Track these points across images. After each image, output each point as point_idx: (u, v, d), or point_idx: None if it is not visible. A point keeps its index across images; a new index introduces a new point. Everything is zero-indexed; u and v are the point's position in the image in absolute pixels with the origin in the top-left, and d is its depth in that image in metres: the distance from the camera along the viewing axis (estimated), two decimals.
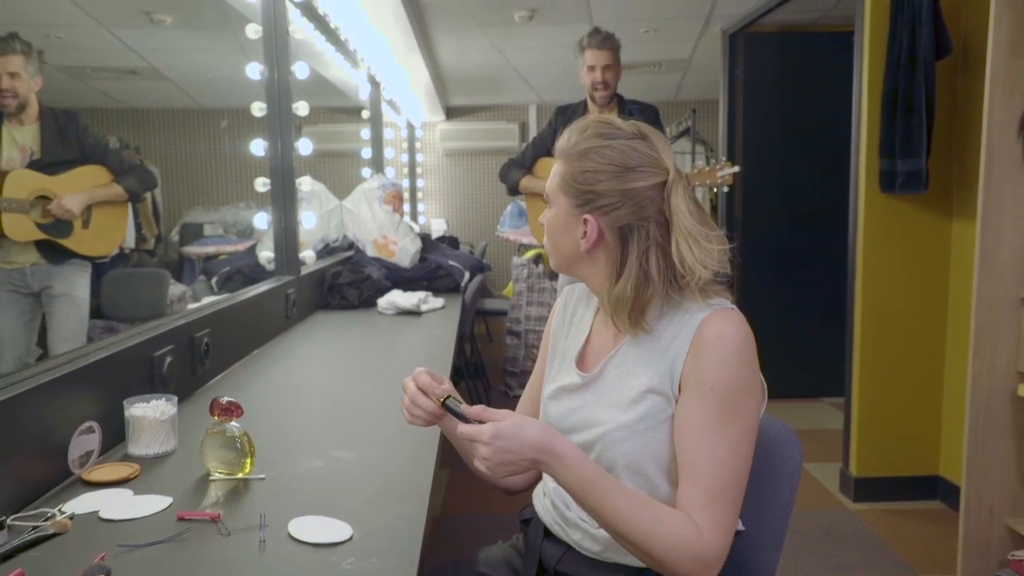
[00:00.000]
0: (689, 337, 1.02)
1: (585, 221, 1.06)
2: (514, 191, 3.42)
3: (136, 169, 2.38)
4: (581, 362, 1.16)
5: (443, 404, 1.03)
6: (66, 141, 2.15)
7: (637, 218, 1.04)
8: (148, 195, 4.19)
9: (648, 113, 3.23)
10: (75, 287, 2.22)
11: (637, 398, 1.04)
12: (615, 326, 1.09)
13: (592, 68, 3.10)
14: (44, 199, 2.07)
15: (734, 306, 1.06)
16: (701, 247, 1.02)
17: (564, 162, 1.10)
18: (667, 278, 1.04)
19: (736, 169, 3.01)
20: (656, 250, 1.03)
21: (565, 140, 1.11)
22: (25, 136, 2.06)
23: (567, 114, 3.24)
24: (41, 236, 2.09)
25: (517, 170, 3.39)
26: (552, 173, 1.12)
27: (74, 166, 2.16)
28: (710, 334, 1.01)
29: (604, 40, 3.10)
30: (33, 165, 2.07)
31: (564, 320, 1.24)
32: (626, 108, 3.19)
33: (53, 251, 2.14)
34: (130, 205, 2.39)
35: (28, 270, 2.13)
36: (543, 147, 3.31)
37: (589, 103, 3.20)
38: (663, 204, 1.04)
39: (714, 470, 0.98)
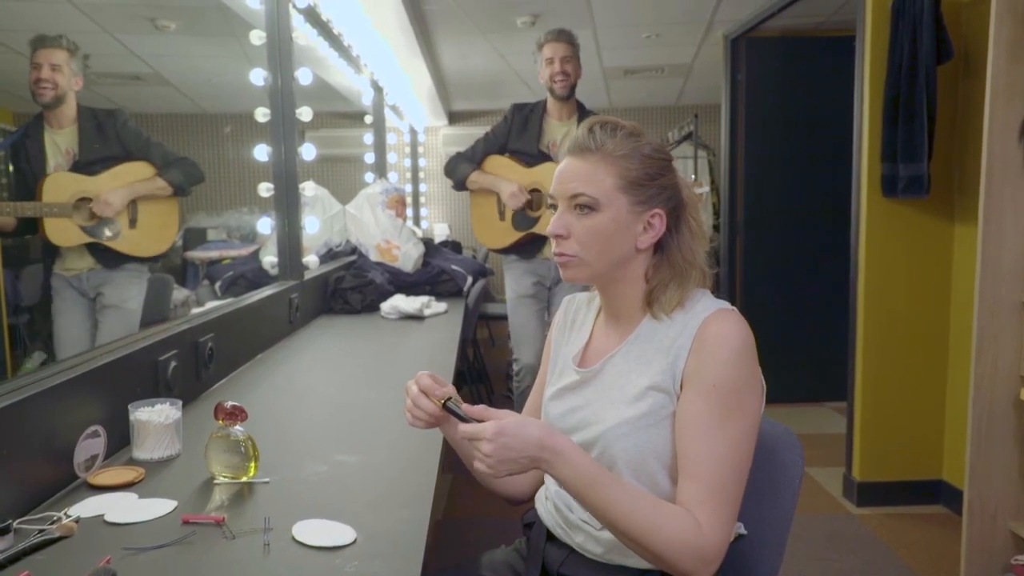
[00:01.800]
0: (692, 335, 1.04)
1: (653, 216, 1.08)
2: (461, 186, 3.25)
3: (180, 162, 2.29)
4: (581, 362, 1.18)
5: (444, 405, 1.04)
6: (105, 139, 2.10)
7: (680, 206, 1.11)
8: None
9: None
10: (127, 298, 2.17)
11: (639, 395, 1.06)
12: (649, 311, 1.10)
13: (551, 60, 3.02)
14: (86, 200, 2.03)
15: (735, 308, 1.08)
16: (702, 222, 1.15)
17: (612, 161, 1.07)
18: (701, 259, 1.12)
19: (705, 190, 3.00)
20: (690, 230, 1.12)
21: (597, 138, 1.08)
22: (65, 139, 2.03)
23: (524, 112, 3.16)
24: (87, 239, 2.04)
25: (467, 164, 3.21)
26: (590, 175, 1.07)
27: (115, 164, 2.11)
28: (712, 333, 1.03)
29: (560, 33, 3.05)
30: (73, 167, 2.03)
31: (564, 328, 1.25)
32: (587, 114, 3.10)
33: (106, 255, 2.09)
34: (179, 201, 2.30)
35: (85, 275, 2.10)
36: (495, 144, 3.20)
37: (549, 101, 3.11)
38: (682, 193, 1.13)
39: (714, 466, 0.99)
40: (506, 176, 3.11)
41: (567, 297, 1.30)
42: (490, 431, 0.95)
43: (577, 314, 1.25)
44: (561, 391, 1.17)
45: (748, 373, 1.02)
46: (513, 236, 3.13)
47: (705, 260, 1.12)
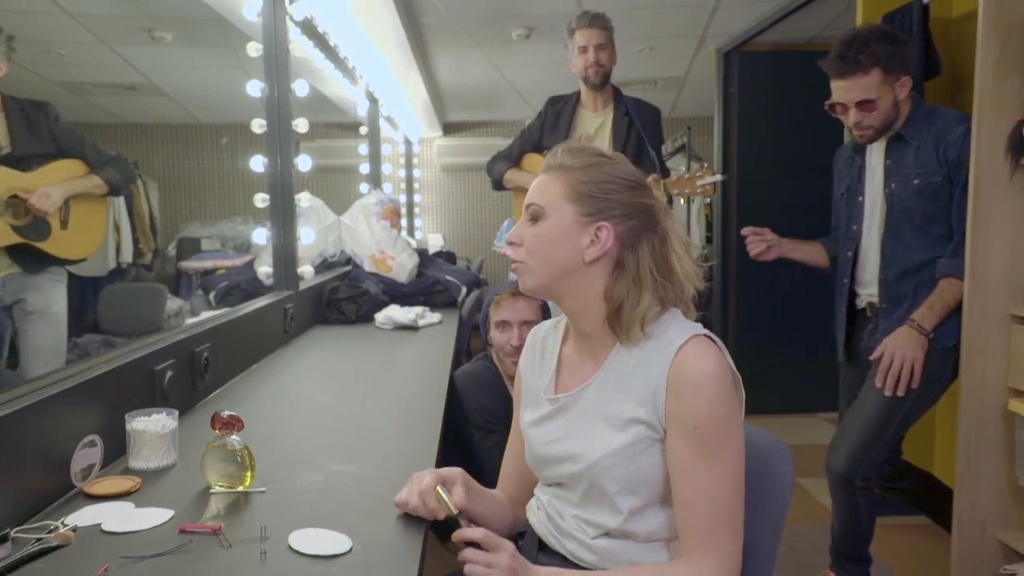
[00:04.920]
0: (667, 366, 1.05)
1: (599, 228, 1.08)
2: (499, 185, 3.16)
3: (115, 161, 2.15)
4: (556, 388, 1.18)
5: (455, 517, 1.06)
6: (37, 133, 1.97)
7: (646, 230, 1.10)
8: (146, 209, 4.19)
9: (647, 113, 2.97)
10: (52, 302, 2.04)
11: (623, 425, 1.07)
12: (616, 337, 1.10)
13: (584, 49, 2.82)
14: (17, 199, 1.89)
15: (707, 331, 1.08)
16: (691, 262, 1.11)
17: (565, 173, 1.10)
18: (663, 288, 1.09)
19: (719, 178, 2.92)
20: (659, 261, 1.10)
21: (558, 157, 1.12)
22: None
23: (558, 105, 3.02)
24: (18, 239, 1.90)
25: (503, 162, 3.12)
26: (544, 186, 1.11)
27: (48, 160, 1.97)
28: (690, 371, 1.03)
29: (595, 18, 2.82)
30: (2, 161, 1.89)
31: (533, 359, 1.25)
32: (624, 102, 2.96)
33: (28, 257, 1.95)
34: (110, 202, 2.19)
35: (1, 280, 1.95)
36: (530, 141, 3.09)
37: (583, 91, 2.95)
38: (660, 223, 1.11)
39: (705, 506, 1.02)
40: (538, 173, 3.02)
41: (533, 328, 1.30)
42: (510, 549, 1.01)
43: (545, 342, 1.25)
44: (539, 420, 1.18)
45: (726, 407, 1.03)
46: None
47: (675, 284, 1.09)
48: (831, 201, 2.46)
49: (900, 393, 2.02)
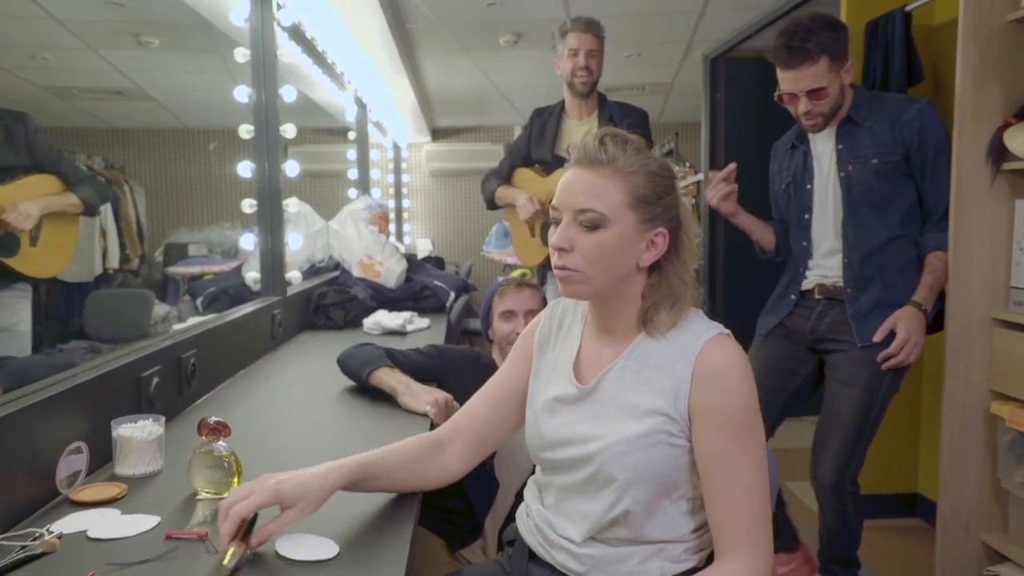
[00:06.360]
0: (691, 362, 1.05)
1: (657, 234, 1.08)
2: (491, 204, 3.08)
3: (90, 179, 2.10)
4: (576, 374, 1.16)
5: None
6: (13, 145, 1.90)
7: (681, 224, 1.11)
8: (133, 214, 4.16)
9: (633, 116, 2.91)
10: (18, 320, 1.97)
11: (640, 415, 1.06)
12: (646, 332, 1.10)
13: (575, 52, 2.75)
14: None
15: (728, 331, 1.10)
16: (696, 231, 1.13)
17: (622, 177, 1.06)
18: (694, 284, 1.11)
19: (700, 177, 2.93)
20: (686, 250, 1.11)
21: (609, 150, 1.06)
22: None
23: (543, 116, 2.98)
24: None
25: (494, 180, 3.07)
26: (601, 190, 1.05)
27: (24, 174, 1.91)
28: (715, 365, 1.04)
29: (590, 24, 2.77)
30: None
31: (551, 331, 1.23)
32: (608, 108, 2.91)
33: None
34: (80, 220, 2.10)
35: None
36: (518, 155, 3.05)
37: (568, 98, 2.88)
38: (680, 212, 1.12)
39: (743, 496, 1.03)
40: (527, 188, 2.94)
41: (552, 302, 1.27)
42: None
43: (563, 319, 1.23)
44: (554, 403, 1.15)
45: (752, 397, 1.06)
46: (543, 252, 2.88)
47: (695, 278, 1.12)
48: (770, 198, 2.48)
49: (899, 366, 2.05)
